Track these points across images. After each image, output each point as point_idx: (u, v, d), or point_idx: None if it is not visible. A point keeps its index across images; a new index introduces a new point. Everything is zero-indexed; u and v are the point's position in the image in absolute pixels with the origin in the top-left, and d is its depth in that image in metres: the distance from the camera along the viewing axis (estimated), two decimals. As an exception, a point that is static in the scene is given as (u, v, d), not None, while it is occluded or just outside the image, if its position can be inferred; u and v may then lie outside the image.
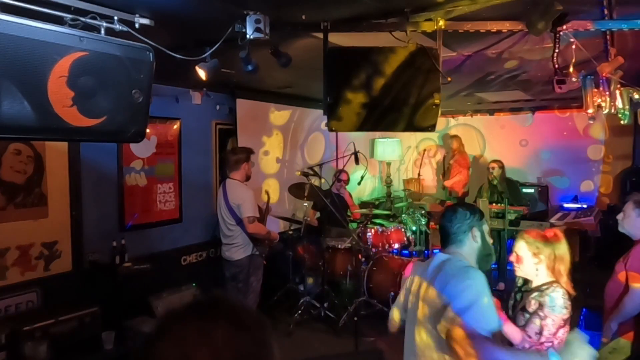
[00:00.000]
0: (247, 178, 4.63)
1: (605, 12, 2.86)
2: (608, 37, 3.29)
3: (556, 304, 2.35)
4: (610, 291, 3.01)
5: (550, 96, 6.43)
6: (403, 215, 6.43)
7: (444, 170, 8.30)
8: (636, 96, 3.70)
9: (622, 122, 3.77)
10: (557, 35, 2.95)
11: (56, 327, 3.66)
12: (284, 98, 6.39)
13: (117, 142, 4.14)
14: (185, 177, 5.42)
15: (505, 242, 6.06)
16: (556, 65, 3.04)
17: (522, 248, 2.54)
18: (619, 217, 3.06)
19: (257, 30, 2.69)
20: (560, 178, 7.83)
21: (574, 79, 3.09)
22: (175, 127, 5.32)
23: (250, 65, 3.01)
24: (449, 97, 6.18)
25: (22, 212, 3.89)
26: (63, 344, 3.66)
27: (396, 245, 6.04)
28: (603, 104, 3.41)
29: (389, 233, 5.88)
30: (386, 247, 5.84)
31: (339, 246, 5.60)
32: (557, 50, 2.99)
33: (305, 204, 5.53)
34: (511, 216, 6.03)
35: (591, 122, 7.37)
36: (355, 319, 5.11)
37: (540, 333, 2.33)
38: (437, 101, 2.98)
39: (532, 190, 7.56)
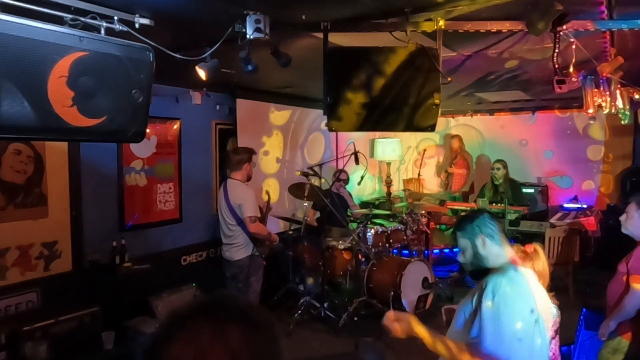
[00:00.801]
0: (248, 178, 4.63)
1: (605, 12, 2.86)
2: (608, 37, 3.29)
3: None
4: (613, 291, 3.00)
5: (550, 96, 6.43)
6: (403, 215, 6.42)
7: (445, 170, 8.30)
8: (636, 96, 3.70)
9: (622, 122, 3.78)
10: (557, 35, 2.95)
11: (56, 327, 3.66)
12: (284, 98, 6.39)
13: (117, 142, 4.14)
14: (185, 177, 5.42)
15: (505, 242, 6.05)
16: (556, 65, 3.05)
17: None
18: (622, 218, 3.04)
19: (257, 30, 2.69)
20: (560, 178, 7.84)
21: (574, 79, 3.09)
22: (175, 127, 5.32)
23: (250, 65, 3.01)
24: (449, 97, 6.18)
25: (22, 212, 3.89)
26: (63, 344, 3.65)
27: (396, 245, 6.04)
28: (603, 104, 3.42)
29: (389, 233, 5.88)
30: (386, 247, 5.84)
31: (339, 246, 5.59)
32: (557, 50, 2.99)
33: (305, 204, 5.53)
34: (511, 216, 6.03)
35: (591, 122, 7.37)
36: (355, 319, 5.11)
37: None
38: (437, 101, 2.98)
39: (532, 190, 7.56)
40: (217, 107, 5.72)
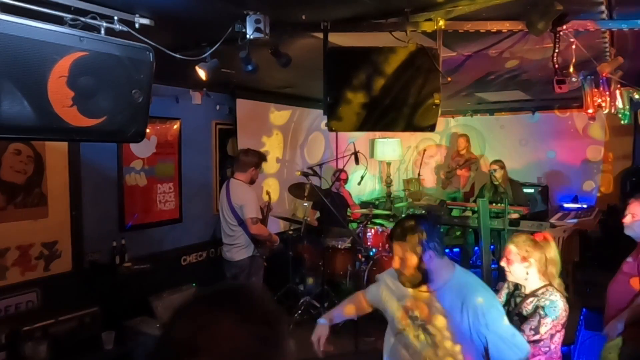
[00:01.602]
0: (252, 182, 4.62)
1: (605, 12, 2.86)
2: (608, 37, 3.29)
3: (557, 306, 2.35)
4: (615, 291, 2.96)
5: (550, 96, 6.42)
6: (403, 216, 6.42)
7: (450, 169, 8.20)
8: (636, 96, 3.70)
9: (622, 122, 3.78)
10: (557, 35, 2.95)
11: (56, 327, 3.66)
12: (284, 98, 6.39)
13: (117, 142, 4.14)
14: (185, 177, 5.42)
15: (506, 242, 6.04)
16: (556, 65, 3.04)
17: (512, 252, 2.53)
18: (626, 220, 2.93)
19: (257, 30, 2.69)
20: (560, 178, 7.83)
21: (574, 79, 3.09)
22: (175, 127, 5.32)
23: (250, 65, 3.01)
24: (449, 97, 6.18)
25: (22, 212, 3.89)
26: (63, 344, 3.65)
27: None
28: (603, 104, 3.42)
29: (389, 233, 5.88)
30: (386, 247, 5.83)
31: (339, 246, 5.59)
32: (557, 50, 2.99)
33: (305, 204, 5.53)
34: (511, 216, 6.02)
35: (591, 122, 7.37)
36: (355, 318, 5.10)
37: (536, 330, 2.31)
38: (437, 101, 2.97)
39: (532, 190, 7.55)
40: (217, 107, 5.72)
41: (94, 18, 2.31)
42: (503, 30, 3.05)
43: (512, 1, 2.68)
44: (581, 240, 6.10)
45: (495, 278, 6.11)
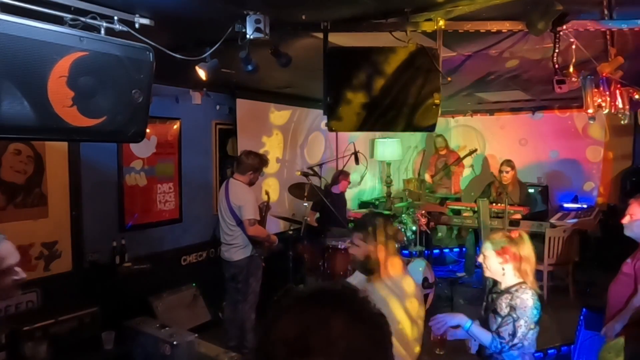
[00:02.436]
0: (251, 184, 4.61)
1: (605, 12, 2.86)
2: (608, 37, 3.29)
3: (527, 305, 2.39)
4: (615, 292, 2.97)
5: (550, 96, 6.42)
6: (403, 215, 6.42)
7: (439, 169, 8.14)
8: (636, 96, 3.70)
9: (622, 122, 3.77)
10: (557, 35, 2.95)
11: (56, 327, 3.67)
12: (284, 98, 6.38)
13: (117, 142, 4.14)
14: (185, 177, 5.42)
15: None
16: (556, 65, 3.05)
17: (488, 248, 2.56)
18: (625, 221, 2.93)
19: (257, 30, 2.69)
20: (560, 178, 7.83)
21: (574, 79, 3.09)
22: (175, 127, 5.32)
23: (250, 65, 3.01)
24: (449, 97, 6.18)
25: (22, 212, 3.89)
26: (63, 344, 3.65)
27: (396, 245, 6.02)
28: (603, 104, 3.41)
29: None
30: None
31: (339, 246, 5.59)
32: (557, 50, 2.99)
33: (305, 204, 5.53)
34: (511, 216, 6.01)
35: (591, 122, 7.35)
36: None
37: (513, 335, 2.36)
38: (437, 101, 2.98)
39: (532, 190, 7.55)
40: (217, 107, 5.72)
41: (94, 18, 2.31)
42: (503, 30, 3.05)
43: (512, 1, 2.68)
44: (581, 240, 6.09)
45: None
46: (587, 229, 6.31)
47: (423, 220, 6.44)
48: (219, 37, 2.78)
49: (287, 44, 3.33)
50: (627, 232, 2.95)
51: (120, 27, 2.43)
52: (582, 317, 4.28)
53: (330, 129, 3.20)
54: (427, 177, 8.15)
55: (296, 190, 5.68)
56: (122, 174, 4.75)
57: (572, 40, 3.05)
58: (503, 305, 2.45)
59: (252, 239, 4.52)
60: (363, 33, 3.09)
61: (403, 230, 6.11)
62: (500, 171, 6.51)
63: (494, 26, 2.98)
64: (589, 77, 3.33)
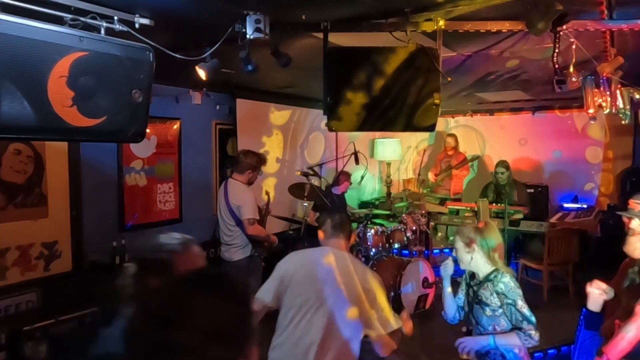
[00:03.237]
0: (250, 183, 4.61)
1: (605, 12, 2.86)
2: (608, 37, 3.29)
3: (511, 285, 2.48)
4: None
5: (550, 96, 6.42)
6: (403, 215, 6.42)
7: (443, 171, 8.13)
8: (636, 96, 3.69)
9: (622, 122, 3.76)
10: (557, 35, 2.95)
11: (56, 327, 3.66)
12: (284, 98, 6.38)
13: (117, 142, 4.14)
14: (185, 177, 5.42)
15: (506, 242, 6.04)
16: (556, 65, 3.05)
17: (457, 240, 2.66)
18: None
19: (257, 30, 2.69)
20: (561, 178, 7.83)
21: (574, 79, 3.09)
22: (175, 127, 5.32)
23: (250, 65, 3.02)
24: (449, 97, 6.18)
25: (22, 212, 3.89)
26: (63, 344, 3.65)
27: (396, 245, 6.03)
28: (603, 104, 3.41)
29: (389, 233, 5.88)
30: (386, 247, 5.83)
31: (339, 246, 5.58)
32: (557, 50, 2.99)
33: (305, 204, 5.53)
34: (511, 216, 6.01)
35: (591, 122, 7.35)
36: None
37: (525, 317, 2.44)
38: (437, 101, 2.98)
39: (532, 190, 7.55)
40: (217, 107, 5.72)
41: (94, 18, 2.31)
42: (503, 30, 3.05)
43: (512, 1, 2.68)
44: (581, 241, 6.09)
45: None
46: (587, 229, 6.31)
47: (423, 220, 6.44)
48: (219, 37, 2.79)
49: (287, 44, 3.34)
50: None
51: (120, 27, 2.43)
52: (582, 317, 4.26)
53: (330, 129, 3.21)
54: (430, 175, 8.08)
55: (296, 190, 5.68)
56: (122, 174, 4.75)
57: (572, 40, 3.05)
58: (487, 294, 2.52)
59: (251, 239, 4.51)
60: (363, 33, 3.09)
61: (403, 230, 6.11)
62: (496, 172, 6.52)
63: (494, 26, 2.98)
64: (589, 77, 3.33)
